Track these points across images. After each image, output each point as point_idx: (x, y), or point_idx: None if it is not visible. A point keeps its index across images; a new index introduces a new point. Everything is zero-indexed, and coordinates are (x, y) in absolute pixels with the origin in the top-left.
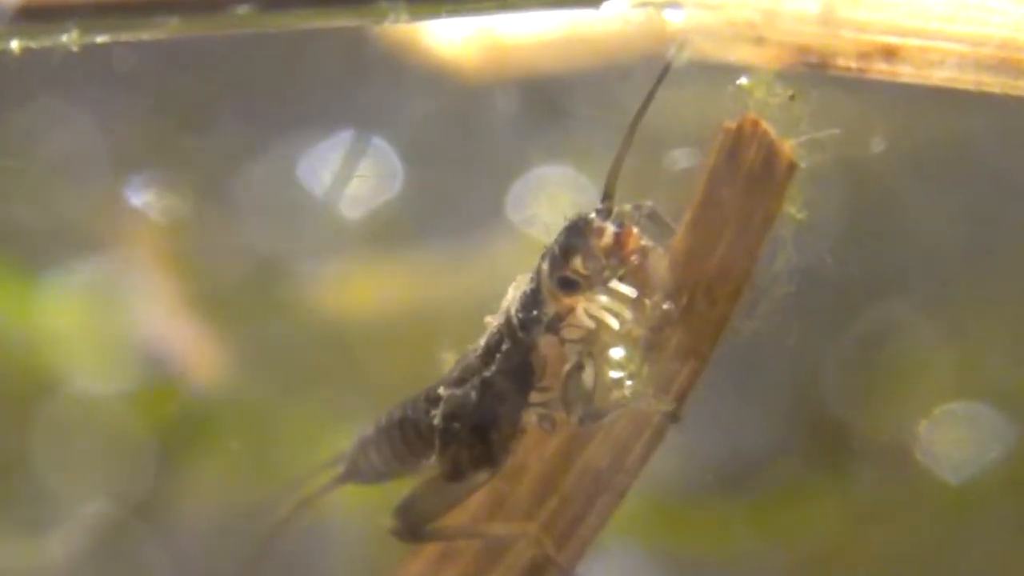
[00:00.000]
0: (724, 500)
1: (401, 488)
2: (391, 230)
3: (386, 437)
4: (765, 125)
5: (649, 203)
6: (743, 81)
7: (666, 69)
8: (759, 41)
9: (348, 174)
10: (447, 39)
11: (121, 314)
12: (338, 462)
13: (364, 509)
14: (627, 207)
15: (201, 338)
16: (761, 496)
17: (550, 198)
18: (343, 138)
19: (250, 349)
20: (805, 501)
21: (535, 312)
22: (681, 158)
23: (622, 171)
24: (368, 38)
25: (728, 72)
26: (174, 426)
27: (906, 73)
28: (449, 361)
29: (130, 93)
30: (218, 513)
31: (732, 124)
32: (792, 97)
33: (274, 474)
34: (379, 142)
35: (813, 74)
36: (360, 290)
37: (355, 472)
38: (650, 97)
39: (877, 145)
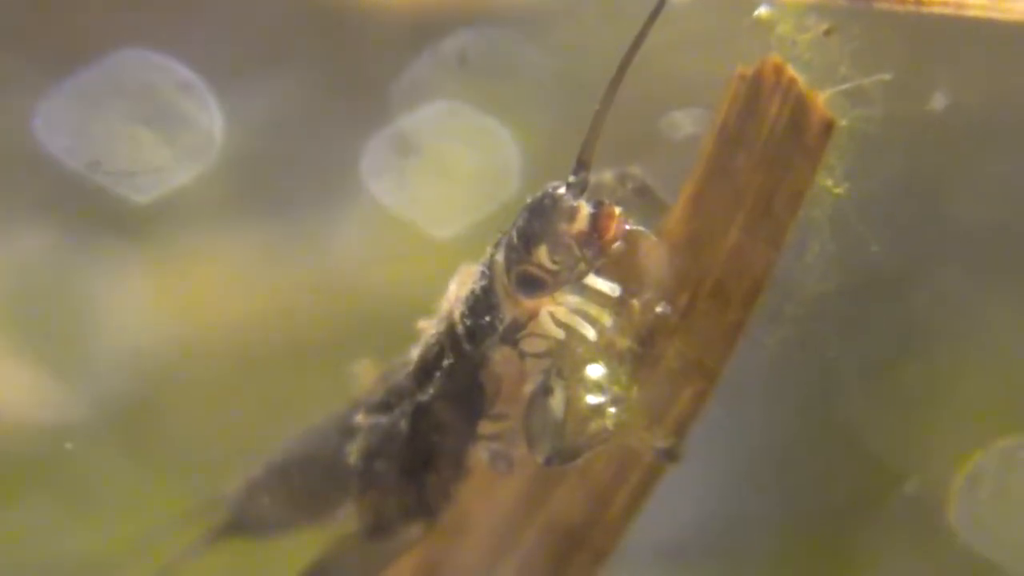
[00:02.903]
0: (729, 568)
1: (302, 545)
2: (235, 203)
3: (281, 478)
4: (792, 71)
5: (636, 172)
6: (762, 11)
7: (661, 2)
8: None
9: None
10: None
11: None
12: (216, 509)
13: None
14: (608, 178)
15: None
16: (774, 565)
17: (480, 172)
18: (176, 84)
19: (66, 376)
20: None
21: (487, 318)
22: (683, 119)
23: (602, 134)
24: None
25: (743, 5)
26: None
27: (976, 5)
28: (366, 377)
29: None
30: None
31: (748, 70)
32: (827, 32)
33: (111, 522)
34: (230, 89)
35: (856, 8)
36: (195, 289)
37: (240, 523)
38: (641, 38)
39: (938, 99)
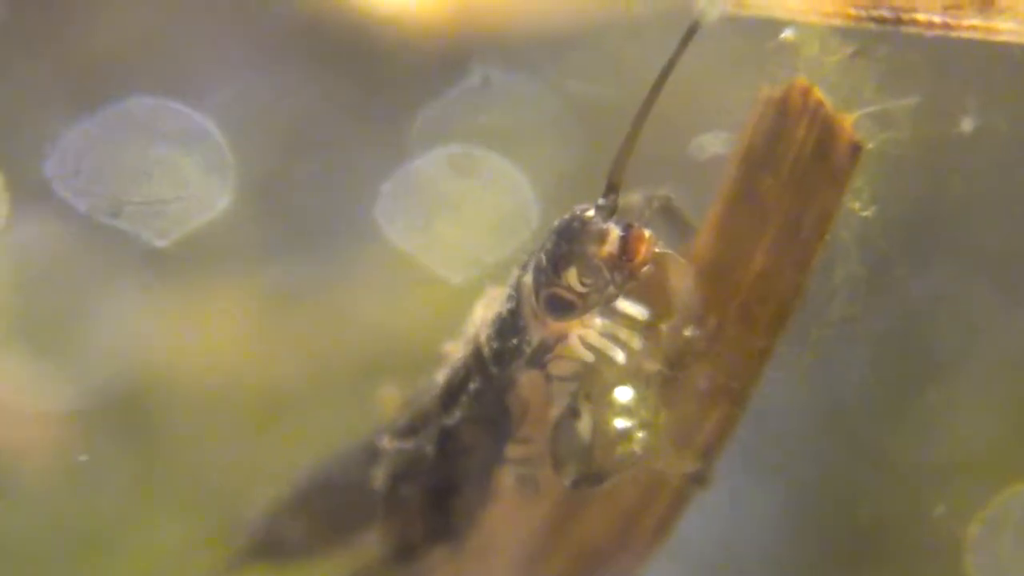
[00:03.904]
0: None
1: (327, 570)
2: (238, 249)
3: (306, 502)
4: (819, 93)
5: (665, 195)
6: (789, 34)
7: (694, 27)
8: None
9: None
10: None
11: None
12: (240, 533)
13: None
14: (636, 200)
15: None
16: None
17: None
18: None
19: (80, 405)
20: None
21: (514, 340)
22: (710, 141)
23: (632, 158)
24: None
25: (770, 28)
26: None
27: (1007, 29)
28: (393, 400)
29: None
30: None
31: (775, 92)
32: (854, 55)
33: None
34: (239, 128)
35: (883, 31)
36: (189, 334)
37: (264, 548)
38: (672, 63)
39: (966, 122)
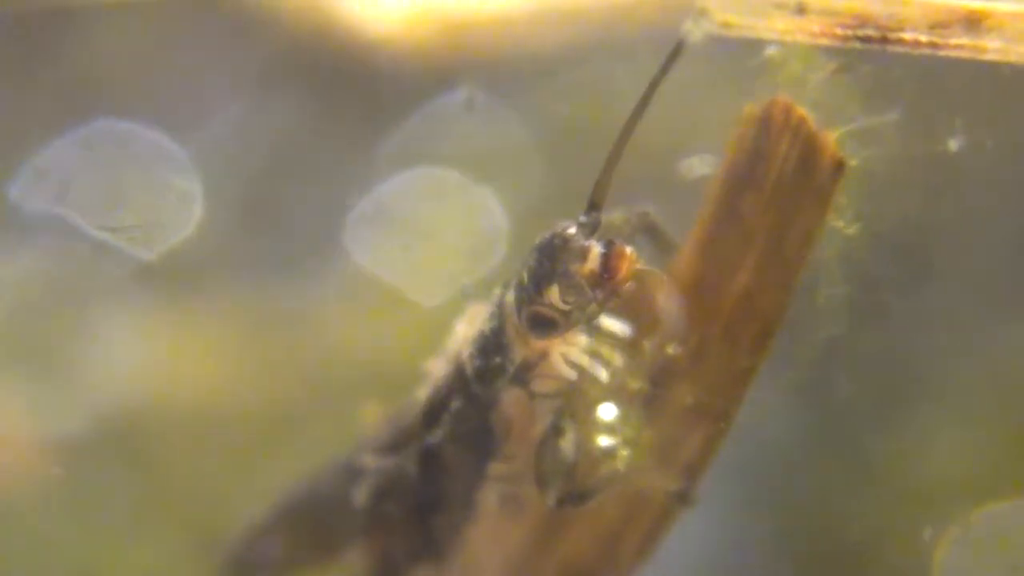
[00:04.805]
0: None
1: None
2: (222, 271)
3: (288, 520)
4: (801, 110)
5: (647, 212)
6: (772, 51)
7: (679, 46)
8: (799, 8)
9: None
10: (384, 9)
11: None
12: (218, 551)
13: None
14: (618, 218)
15: None
16: None
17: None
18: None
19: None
20: None
21: (497, 358)
22: (693, 160)
23: (615, 176)
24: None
25: (754, 46)
26: None
27: (994, 48)
28: (375, 418)
29: None
30: None
31: (757, 109)
32: (837, 71)
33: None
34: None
35: (869, 49)
36: (165, 357)
37: (247, 566)
38: (657, 82)
39: (953, 140)
